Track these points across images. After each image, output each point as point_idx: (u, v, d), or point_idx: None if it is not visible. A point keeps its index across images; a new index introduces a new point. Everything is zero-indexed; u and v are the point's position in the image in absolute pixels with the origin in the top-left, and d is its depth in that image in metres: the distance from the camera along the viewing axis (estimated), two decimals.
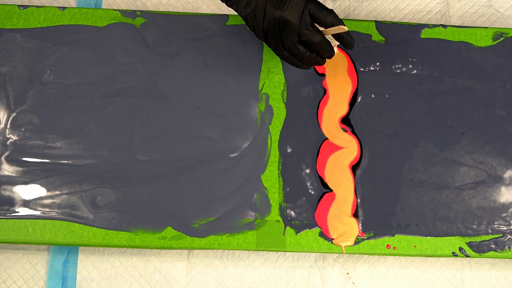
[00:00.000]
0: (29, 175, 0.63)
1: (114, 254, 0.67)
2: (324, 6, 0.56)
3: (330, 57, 0.59)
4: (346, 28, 0.56)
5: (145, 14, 0.67)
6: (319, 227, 0.64)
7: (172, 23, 0.67)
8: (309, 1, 0.56)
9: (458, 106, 0.67)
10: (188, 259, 0.67)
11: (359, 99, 0.67)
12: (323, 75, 0.67)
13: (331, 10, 0.56)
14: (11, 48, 0.66)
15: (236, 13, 0.60)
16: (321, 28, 0.57)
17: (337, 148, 0.66)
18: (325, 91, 0.67)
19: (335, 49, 0.59)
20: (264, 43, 0.67)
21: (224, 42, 0.67)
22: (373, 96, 0.67)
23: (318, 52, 0.58)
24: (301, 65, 0.59)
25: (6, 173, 0.63)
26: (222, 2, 0.59)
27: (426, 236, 0.64)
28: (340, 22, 0.56)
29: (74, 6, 0.72)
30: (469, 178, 0.66)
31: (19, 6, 0.67)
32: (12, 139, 0.64)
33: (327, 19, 0.56)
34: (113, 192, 0.63)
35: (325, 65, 0.67)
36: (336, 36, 0.58)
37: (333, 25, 0.56)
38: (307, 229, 0.63)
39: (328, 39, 0.58)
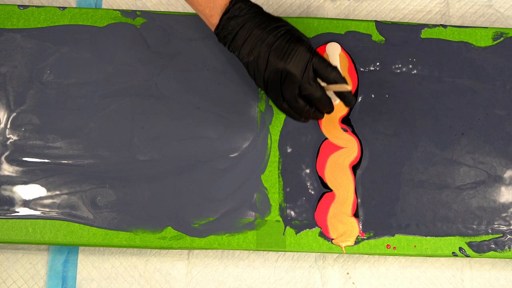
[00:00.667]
0: (29, 175, 0.63)
1: (114, 254, 0.67)
2: (329, 62, 0.55)
3: (329, 113, 0.58)
4: (349, 88, 0.55)
5: (145, 14, 0.67)
6: (319, 227, 0.64)
7: (172, 23, 0.67)
8: (313, 55, 0.54)
9: (458, 106, 0.67)
10: (188, 259, 0.67)
11: (359, 99, 0.67)
12: None
13: (335, 67, 0.55)
14: (11, 48, 0.66)
15: None
16: (323, 84, 0.56)
17: (337, 148, 0.66)
18: None
19: (335, 104, 0.58)
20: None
21: None
22: (373, 96, 0.67)
23: (318, 107, 0.57)
24: (299, 118, 0.58)
25: (6, 173, 0.63)
26: (225, 46, 0.57)
27: (426, 236, 0.64)
28: (343, 80, 0.55)
29: (74, 6, 0.72)
30: (469, 178, 0.66)
31: (19, 6, 0.67)
32: (12, 139, 0.64)
33: (330, 75, 0.54)
34: (113, 192, 0.63)
35: None
36: (338, 94, 0.57)
37: (336, 82, 0.55)
38: (307, 229, 0.63)
39: (329, 95, 0.57)
